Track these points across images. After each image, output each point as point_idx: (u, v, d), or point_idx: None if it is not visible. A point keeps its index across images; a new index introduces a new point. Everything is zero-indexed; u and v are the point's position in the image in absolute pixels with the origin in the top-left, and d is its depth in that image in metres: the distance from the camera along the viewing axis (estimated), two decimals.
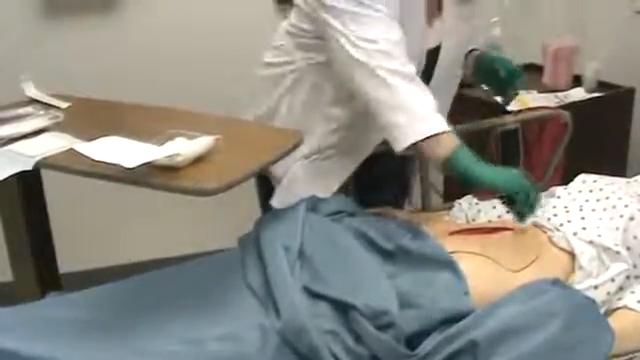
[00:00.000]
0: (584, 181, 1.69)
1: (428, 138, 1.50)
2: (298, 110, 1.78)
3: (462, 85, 1.96)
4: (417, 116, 1.51)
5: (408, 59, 1.55)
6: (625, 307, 1.45)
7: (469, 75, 1.93)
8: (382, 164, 1.88)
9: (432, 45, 1.74)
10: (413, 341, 1.31)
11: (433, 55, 1.75)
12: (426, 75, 1.73)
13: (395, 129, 1.52)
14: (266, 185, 1.88)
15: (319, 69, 1.71)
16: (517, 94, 1.92)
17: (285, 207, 1.62)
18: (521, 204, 1.47)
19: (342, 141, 1.77)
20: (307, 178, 1.79)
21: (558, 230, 1.56)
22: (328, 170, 1.80)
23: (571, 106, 2.45)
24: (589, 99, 2.59)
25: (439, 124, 1.51)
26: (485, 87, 1.96)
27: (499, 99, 1.96)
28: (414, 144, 1.50)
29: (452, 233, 1.57)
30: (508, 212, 1.54)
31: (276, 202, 1.79)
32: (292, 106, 1.79)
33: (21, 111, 1.77)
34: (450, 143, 1.50)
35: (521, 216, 1.50)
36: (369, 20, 1.55)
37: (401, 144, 1.52)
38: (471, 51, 1.92)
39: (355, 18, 1.55)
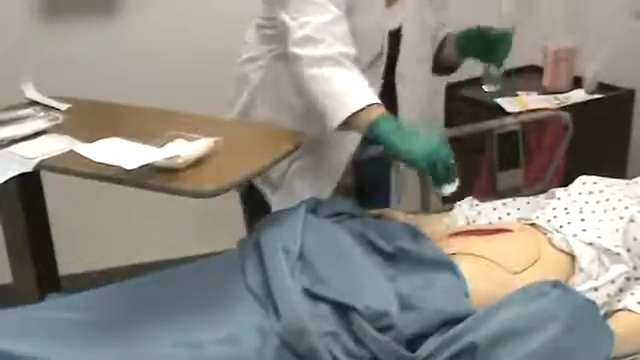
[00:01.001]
0: (584, 183, 1.69)
1: (354, 114, 1.50)
2: (270, 105, 1.78)
3: (445, 68, 1.93)
4: (339, 98, 1.52)
5: (339, 40, 1.55)
6: (625, 309, 1.45)
7: (454, 56, 1.90)
8: (377, 167, 1.89)
9: (392, 27, 1.74)
10: (413, 343, 1.31)
11: (395, 37, 1.76)
12: (391, 57, 1.76)
13: (324, 113, 1.55)
14: (252, 204, 1.87)
15: (282, 60, 1.70)
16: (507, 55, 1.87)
17: (285, 209, 1.62)
18: (436, 175, 1.47)
19: (312, 139, 1.75)
20: (302, 178, 1.80)
21: (558, 232, 1.56)
22: (317, 170, 1.80)
23: (571, 107, 2.45)
24: (589, 100, 2.58)
25: (361, 100, 1.51)
26: (474, 59, 1.90)
27: (491, 70, 1.95)
28: (343, 123, 1.52)
29: (452, 235, 1.57)
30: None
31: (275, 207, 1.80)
32: (264, 101, 1.79)
33: (21, 113, 1.77)
34: (374, 113, 1.50)
35: (438, 185, 1.49)
36: (301, 2, 1.56)
37: (330, 127, 1.54)
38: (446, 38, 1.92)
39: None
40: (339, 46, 1.55)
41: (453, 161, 1.48)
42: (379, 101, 1.53)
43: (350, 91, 1.53)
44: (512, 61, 2.71)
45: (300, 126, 1.73)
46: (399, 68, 1.80)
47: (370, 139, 1.55)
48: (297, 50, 1.55)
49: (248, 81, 1.81)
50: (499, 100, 2.52)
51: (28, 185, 1.79)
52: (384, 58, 1.75)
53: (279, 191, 1.83)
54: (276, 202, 1.82)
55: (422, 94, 1.89)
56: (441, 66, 1.94)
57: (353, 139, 1.78)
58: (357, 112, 1.50)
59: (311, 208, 1.59)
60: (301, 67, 1.56)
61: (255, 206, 1.86)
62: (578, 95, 2.61)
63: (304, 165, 1.81)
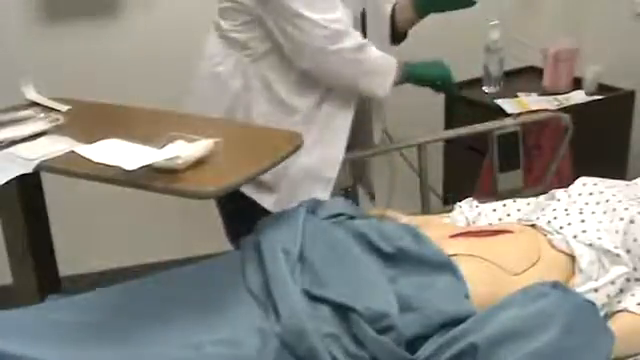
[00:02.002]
0: (584, 184, 1.69)
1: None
2: (257, 109, 1.83)
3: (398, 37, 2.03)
4: (381, 70, 1.84)
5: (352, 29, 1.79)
6: (625, 310, 1.45)
7: (410, 19, 1.99)
8: None
9: (358, 12, 1.91)
10: (414, 344, 1.31)
11: (361, 21, 1.92)
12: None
13: (369, 88, 1.84)
14: (231, 206, 1.88)
15: (265, 60, 1.80)
16: None
17: (285, 210, 1.63)
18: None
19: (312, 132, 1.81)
20: (299, 179, 1.81)
21: (558, 233, 1.56)
22: (313, 170, 1.84)
23: (571, 109, 2.45)
24: (589, 102, 2.59)
25: (392, 62, 1.86)
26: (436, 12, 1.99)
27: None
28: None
29: (452, 236, 1.57)
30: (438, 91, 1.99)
31: (272, 205, 1.81)
32: (248, 107, 1.83)
33: (21, 114, 1.77)
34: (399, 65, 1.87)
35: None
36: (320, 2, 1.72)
37: (383, 94, 1.86)
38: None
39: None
40: (357, 34, 1.79)
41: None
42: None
43: (383, 61, 1.84)
44: (512, 62, 2.74)
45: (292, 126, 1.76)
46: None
47: (407, 81, 1.92)
48: (331, 46, 1.74)
49: (227, 90, 1.84)
50: (499, 101, 2.52)
51: (28, 186, 1.79)
52: None
53: (275, 193, 1.83)
54: (271, 204, 1.83)
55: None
56: (395, 35, 2.02)
57: (343, 135, 1.86)
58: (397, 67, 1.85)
59: (311, 209, 1.60)
60: (338, 58, 1.76)
61: (235, 208, 1.87)
62: (578, 96, 2.61)
63: (300, 166, 1.81)
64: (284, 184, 1.83)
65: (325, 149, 1.85)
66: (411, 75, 1.91)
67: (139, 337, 1.30)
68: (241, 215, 1.81)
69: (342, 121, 1.86)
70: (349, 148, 1.92)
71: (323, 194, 1.83)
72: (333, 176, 1.88)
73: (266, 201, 1.85)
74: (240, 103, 1.84)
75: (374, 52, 1.81)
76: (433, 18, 1.98)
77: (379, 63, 1.83)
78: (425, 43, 2.53)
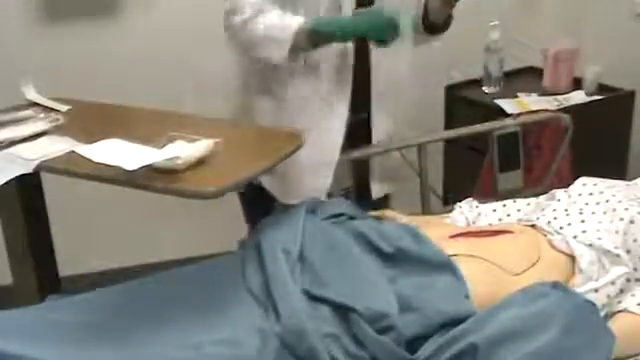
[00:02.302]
0: (584, 184, 1.69)
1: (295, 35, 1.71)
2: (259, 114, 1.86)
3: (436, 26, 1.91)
4: (278, 31, 1.73)
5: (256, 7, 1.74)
6: (625, 310, 1.45)
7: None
8: None
9: None
10: (413, 344, 1.31)
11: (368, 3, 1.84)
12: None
13: (269, 53, 1.75)
14: (249, 194, 1.90)
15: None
16: None
17: (286, 210, 1.63)
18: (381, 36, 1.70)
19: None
20: (300, 169, 1.83)
21: (558, 233, 1.56)
22: (312, 160, 1.83)
23: (571, 109, 2.45)
24: (589, 102, 2.59)
25: (294, 21, 1.72)
26: None
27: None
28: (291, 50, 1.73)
29: (452, 236, 1.57)
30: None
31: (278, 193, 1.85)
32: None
33: (21, 114, 1.78)
34: (305, 25, 1.72)
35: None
36: None
37: (282, 57, 1.73)
38: None
39: None
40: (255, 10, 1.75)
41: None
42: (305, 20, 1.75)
43: (282, 23, 1.73)
44: (512, 62, 2.75)
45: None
46: None
47: (320, 40, 1.74)
48: (227, 22, 1.76)
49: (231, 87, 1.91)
50: (499, 101, 2.53)
51: (28, 186, 1.79)
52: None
53: (282, 183, 1.85)
54: (277, 192, 1.86)
55: (393, 60, 1.90)
56: (430, 25, 1.92)
57: (339, 136, 1.85)
58: (297, 32, 1.71)
59: (311, 209, 1.60)
60: (236, 31, 1.75)
61: (255, 196, 1.89)
62: (578, 96, 2.61)
63: (301, 155, 1.82)
64: (285, 173, 1.85)
65: (321, 148, 1.85)
66: (319, 31, 1.73)
67: (139, 337, 1.30)
68: (261, 202, 1.82)
69: (338, 119, 1.86)
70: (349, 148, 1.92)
71: (321, 193, 1.83)
72: (330, 175, 1.87)
73: (271, 188, 1.87)
74: (241, 101, 1.85)
75: (269, 21, 1.74)
76: None
77: (273, 30, 1.73)
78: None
